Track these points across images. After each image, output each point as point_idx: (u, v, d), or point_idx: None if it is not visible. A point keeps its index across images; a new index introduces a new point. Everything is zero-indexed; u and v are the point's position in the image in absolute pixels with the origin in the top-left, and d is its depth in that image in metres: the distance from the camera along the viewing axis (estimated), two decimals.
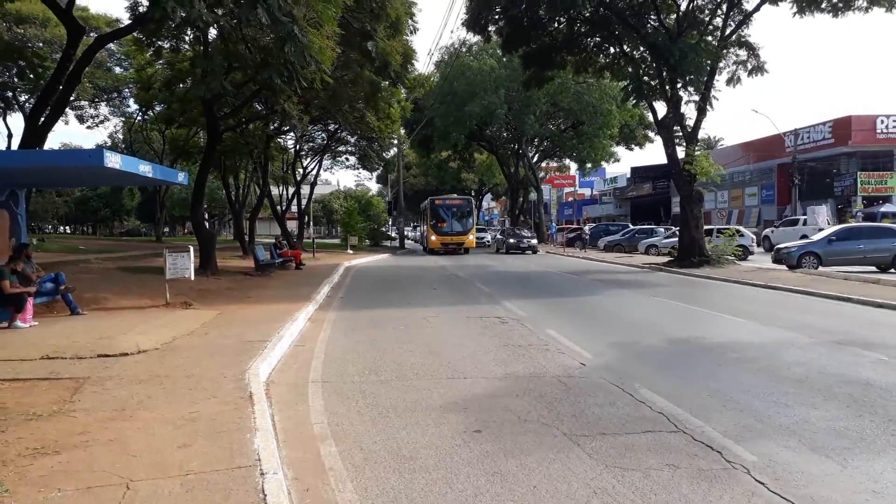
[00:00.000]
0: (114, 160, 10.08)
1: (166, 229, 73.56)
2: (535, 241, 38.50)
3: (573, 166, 61.45)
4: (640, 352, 9.07)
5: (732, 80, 25.51)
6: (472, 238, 38.10)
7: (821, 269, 21.30)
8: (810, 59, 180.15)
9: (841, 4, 21.73)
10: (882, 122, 42.94)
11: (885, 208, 37.16)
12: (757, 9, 23.86)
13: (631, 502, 4.16)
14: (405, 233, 55.75)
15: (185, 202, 56.69)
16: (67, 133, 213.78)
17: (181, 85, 25.79)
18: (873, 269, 21.36)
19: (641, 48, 25.41)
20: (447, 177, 65.94)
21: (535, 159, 55.47)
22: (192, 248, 13.67)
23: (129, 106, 47.44)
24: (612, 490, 4.34)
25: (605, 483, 4.44)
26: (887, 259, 21.27)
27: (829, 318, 12.05)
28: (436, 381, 7.23)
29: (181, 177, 13.87)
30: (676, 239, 27.24)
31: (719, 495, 4.25)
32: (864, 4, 21.25)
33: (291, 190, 45.53)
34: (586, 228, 47.85)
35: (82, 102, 44.30)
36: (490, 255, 36.53)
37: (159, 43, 20.98)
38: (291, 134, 37.33)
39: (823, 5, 22.08)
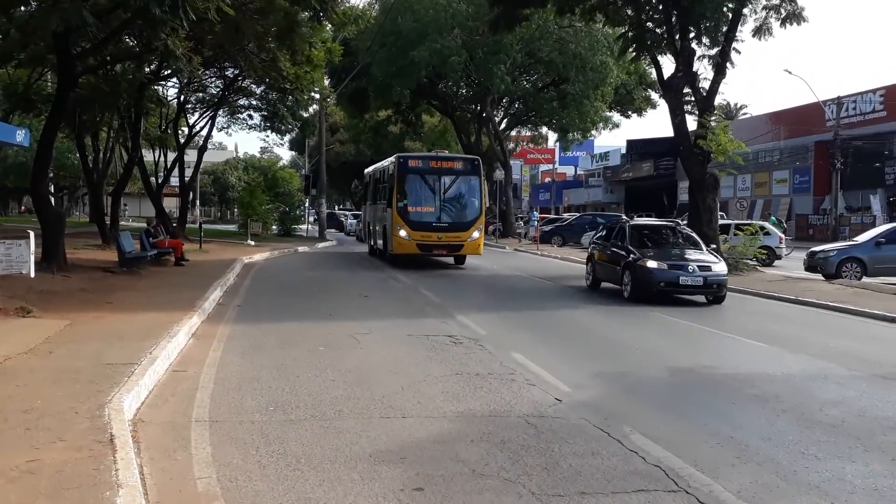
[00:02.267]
0: None
1: None
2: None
3: (552, 137, 62.04)
4: (632, 385, 9.26)
5: (761, 31, 26.04)
6: (477, 235, 25.57)
7: (865, 279, 22.06)
8: (862, 9, 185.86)
9: None
10: None
11: None
12: None
13: None
14: (335, 219, 55.34)
15: (24, 169, 55.11)
16: None
17: (23, 7, 25.03)
18: None
19: None
20: (385, 144, 65.80)
21: (502, 126, 55.86)
22: (31, 234, 13.35)
23: None
24: None
25: None
26: None
27: (874, 344, 12.52)
28: (365, 422, 7.25)
29: (20, 135, 13.56)
30: None
31: None
32: None
33: (172, 156, 44.77)
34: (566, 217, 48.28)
35: None
36: None
37: None
38: (174, 80, 36.66)
39: None
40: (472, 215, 25.33)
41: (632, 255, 17.61)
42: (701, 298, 17.54)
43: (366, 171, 37.15)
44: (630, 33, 26.19)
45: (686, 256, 17.74)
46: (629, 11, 26.46)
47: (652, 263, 17.01)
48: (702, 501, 5.46)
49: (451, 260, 26.86)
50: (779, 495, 5.65)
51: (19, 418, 6.60)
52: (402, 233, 24.38)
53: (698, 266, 16.93)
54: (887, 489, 5.80)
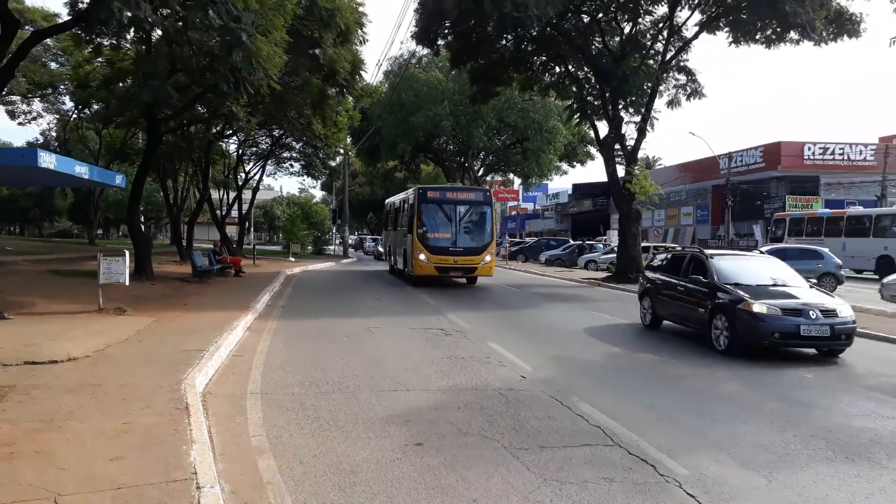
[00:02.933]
0: (48, 160, 9.73)
1: (100, 232, 70.98)
2: None
3: (517, 181, 62.31)
4: (579, 366, 9.25)
5: (672, 103, 26.40)
6: (489, 259, 21.78)
7: None
8: (745, 86, 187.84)
9: (774, 37, 22.78)
10: (809, 148, 45.13)
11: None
12: (696, 36, 24.82)
13: None
14: (349, 242, 55.23)
15: (121, 204, 54.79)
16: None
17: (121, 84, 25.04)
18: None
19: (586, 69, 26.06)
20: (393, 186, 65.82)
21: (480, 172, 55.99)
22: (127, 253, 13.25)
23: (63, 103, 45.69)
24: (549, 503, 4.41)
25: (543, 496, 4.52)
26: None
27: None
28: (378, 394, 7.21)
29: (119, 179, 13.47)
30: (615, 255, 27.87)
31: None
32: (796, 38, 22.33)
33: (232, 195, 44.66)
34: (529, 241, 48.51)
35: (14, 97, 42.45)
36: None
37: (99, 40, 20.31)
38: (234, 138, 36.67)
39: (758, 37, 23.10)
40: (484, 241, 21.75)
41: (725, 296, 10.36)
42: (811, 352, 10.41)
43: (386, 201, 33.38)
44: (575, 105, 26.39)
45: (797, 295, 10.28)
46: (574, 88, 26.70)
47: (760, 308, 9.72)
48: (631, 452, 5.45)
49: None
50: (688, 448, 5.63)
51: (117, 392, 6.54)
52: (422, 256, 21.04)
53: (821, 311, 9.71)
54: (771, 443, 5.79)
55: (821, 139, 46.07)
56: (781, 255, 23.46)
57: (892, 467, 5.25)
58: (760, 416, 6.67)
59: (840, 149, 45.50)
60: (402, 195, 26.78)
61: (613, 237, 45.13)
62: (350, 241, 71.90)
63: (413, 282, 21.76)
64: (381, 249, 43.82)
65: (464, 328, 12.18)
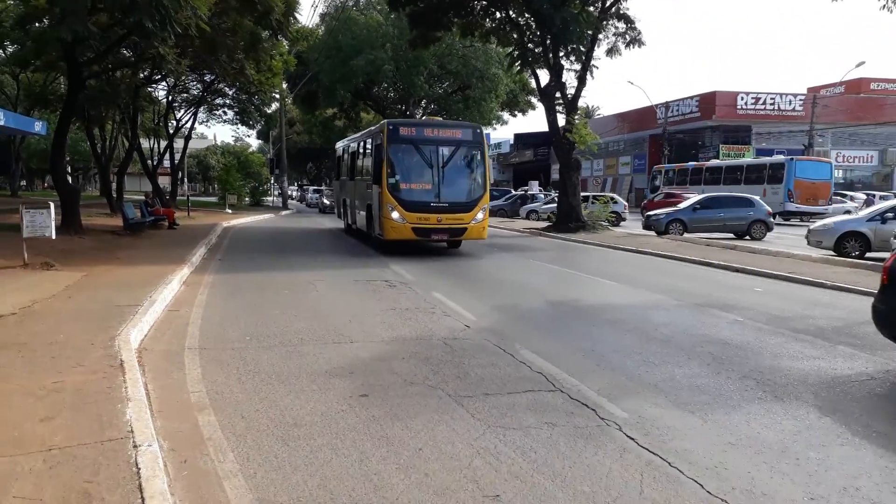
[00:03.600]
0: None
1: (23, 183, 67.33)
2: None
3: None
4: (521, 314, 9.36)
5: (612, 51, 26.36)
6: (482, 217, 16.75)
7: (686, 235, 22.82)
8: (683, 35, 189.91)
9: None
10: (742, 98, 46.25)
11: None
12: None
13: (512, 461, 4.31)
14: (289, 193, 54.09)
15: (45, 153, 51.95)
16: None
17: (37, 24, 23.43)
18: (731, 235, 23.15)
19: (527, 14, 25.72)
20: (332, 135, 64.49)
21: None
22: (52, 205, 12.59)
23: None
24: (493, 449, 4.47)
25: (488, 443, 4.58)
26: (743, 227, 23.12)
27: (691, 281, 12.95)
28: (321, 346, 7.13)
29: (38, 126, 12.70)
30: (556, 205, 28.20)
31: (594, 451, 4.49)
32: None
33: (164, 143, 42.91)
34: None
35: None
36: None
37: None
38: (163, 84, 35.02)
39: None
40: (476, 193, 16.63)
41: None
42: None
43: (339, 143, 27.68)
44: (516, 52, 26.14)
45: None
46: (515, 35, 26.38)
47: None
48: (572, 397, 5.57)
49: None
50: (627, 392, 5.79)
51: (46, 349, 6.27)
52: (395, 215, 15.91)
53: None
54: (704, 385, 6.02)
55: (754, 89, 47.22)
56: (715, 202, 24.30)
57: (818, 405, 5.53)
58: (696, 358, 6.91)
59: (771, 99, 46.79)
60: (361, 134, 21.95)
61: (534, 187, 45.95)
62: (293, 193, 70.63)
63: (381, 247, 17.16)
64: (326, 202, 42.08)
65: (408, 279, 12.14)
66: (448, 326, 8.20)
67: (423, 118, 38.55)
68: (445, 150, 16.50)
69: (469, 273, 13.65)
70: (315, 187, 62.81)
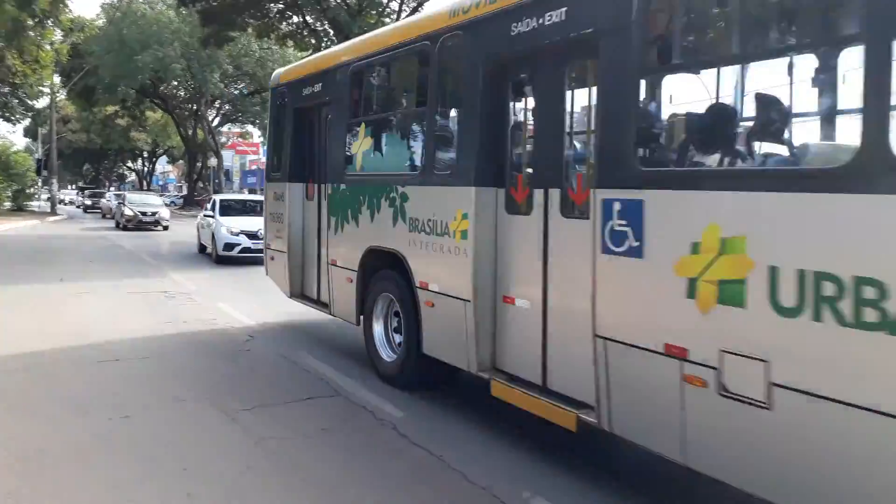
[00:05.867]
0: None
1: None
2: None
3: (256, 133, 60.12)
4: (309, 321, 9.17)
5: None
6: None
7: None
8: None
9: None
10: None
11: None
12: None
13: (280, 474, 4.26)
14: (60, 197, 48.75)
15: None
16: None
17: None
18: None
19: (324, 20, 25.70)
20: (114, 134, 59.40)
21: (215, 123, 52.82)
22: None
23: None
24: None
25: (258, 456, 4.48)
26: None
27: None
28: (80, 367, 6.51)
29: None
30: None
31: None
32: None
33: None
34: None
35: None
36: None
37: None
38: None
39: None
40: None
41: None
42: None
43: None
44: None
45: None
46: (313, 41, 26.30)
47: None
48: (352, 401, 5.64)
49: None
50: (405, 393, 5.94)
51: None
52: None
53: None
54: None
55: None
56: None
57: None
58: None
59: None
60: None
61: None
62: (64, 198, 63.83)
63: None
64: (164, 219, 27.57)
65: (190, 289, 11.51)
66: (231, 338, 7.90)
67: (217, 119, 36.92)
68: None
69: (256, 280, 13.22)
70: (93, 189, 58.92)
